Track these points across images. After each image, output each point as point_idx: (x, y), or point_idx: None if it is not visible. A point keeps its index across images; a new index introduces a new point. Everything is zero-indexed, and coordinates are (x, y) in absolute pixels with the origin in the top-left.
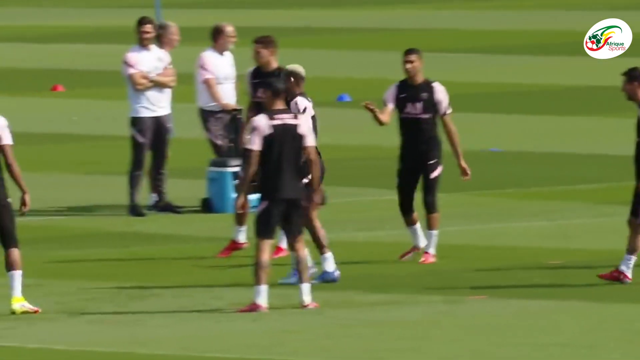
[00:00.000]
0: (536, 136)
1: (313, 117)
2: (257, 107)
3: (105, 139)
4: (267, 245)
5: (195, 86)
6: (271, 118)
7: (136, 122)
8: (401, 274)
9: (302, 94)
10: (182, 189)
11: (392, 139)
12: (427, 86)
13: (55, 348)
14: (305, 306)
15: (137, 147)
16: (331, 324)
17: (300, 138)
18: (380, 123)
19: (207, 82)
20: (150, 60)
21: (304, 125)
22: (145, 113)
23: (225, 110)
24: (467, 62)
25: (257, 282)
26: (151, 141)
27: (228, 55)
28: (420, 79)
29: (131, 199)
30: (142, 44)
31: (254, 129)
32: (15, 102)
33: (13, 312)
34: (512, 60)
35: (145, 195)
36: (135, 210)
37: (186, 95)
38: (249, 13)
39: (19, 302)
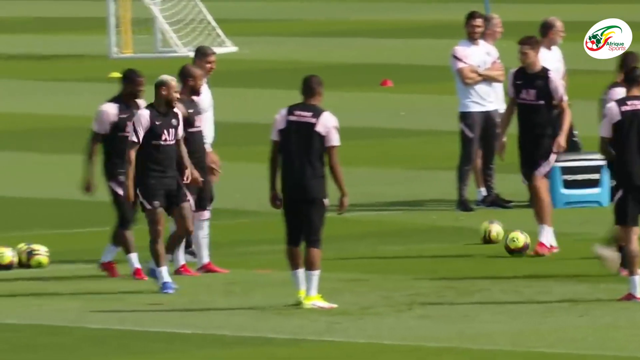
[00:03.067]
0: None
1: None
2: (521, 108)
3: (433, 134)
4: (631, 233)
5: None
6: (621, 104)
7: (465, 116)
8: None
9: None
10: (511, 183)
11: None
12: None
13: (383, 343)
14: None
15: (466, 142)
16: None
17: None
18: None
19: None
20: (478, 55)
21: None
22: (474, 108)
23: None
24: None
25: (631, 272)
26: (480, 136)
27: (556, 50)
28: None
29: (460, 193)
30: (471, 38)
31: (604, 116)
32: (345, 97)
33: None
34: None
35: (472, 190)
36: (463, 205)
37: None
38: (576, 7)
39: (311, 301)
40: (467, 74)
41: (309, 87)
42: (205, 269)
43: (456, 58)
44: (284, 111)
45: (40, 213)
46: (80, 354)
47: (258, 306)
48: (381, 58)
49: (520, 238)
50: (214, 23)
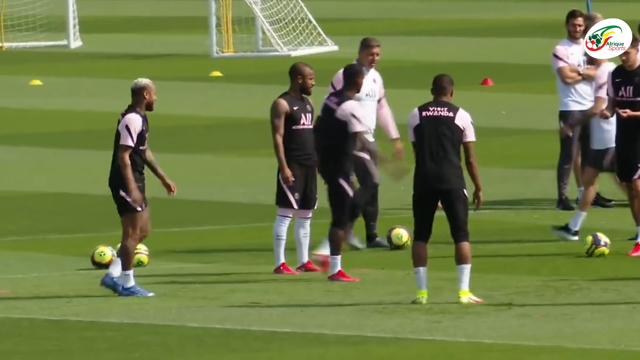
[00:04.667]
0: None
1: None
2: (619, 106)
3: (533, 132)
4: None
5: None
6: None
7: (565, 115)
8: None
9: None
10: (611, 182)
11: None
12: None
13: (483, 342)
14: None
15: (565, 141)
16: None
17: None
18: None
19: None
20: (579, 54)
21: None
22: (574, 107)
23: None
24: None
25: None
26: (579, 135)
27: None
28: None
29: (560, 192)
30: (572, 37)
31: None
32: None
33: (460, 304)
34: None
35: (573, 189)
36: (563, 203)
37: None
38: None
39: (466, 295)
40: (567, 73)
41: (440, 86)
42: (305, 267)
43: (557, 57)
44: (415, 110)
45: None
46: (179, 352)
47: (358, 305)
48: (482, 57)
49: (404, 235)
50: (314, 22)
